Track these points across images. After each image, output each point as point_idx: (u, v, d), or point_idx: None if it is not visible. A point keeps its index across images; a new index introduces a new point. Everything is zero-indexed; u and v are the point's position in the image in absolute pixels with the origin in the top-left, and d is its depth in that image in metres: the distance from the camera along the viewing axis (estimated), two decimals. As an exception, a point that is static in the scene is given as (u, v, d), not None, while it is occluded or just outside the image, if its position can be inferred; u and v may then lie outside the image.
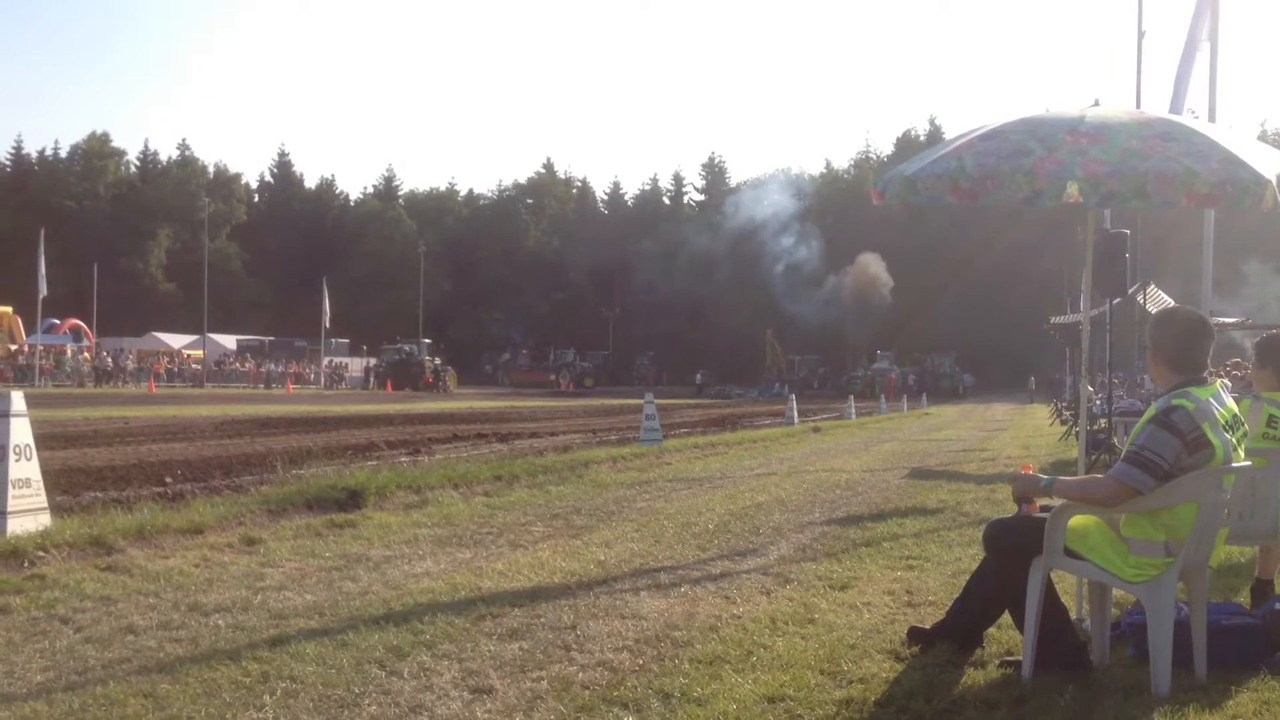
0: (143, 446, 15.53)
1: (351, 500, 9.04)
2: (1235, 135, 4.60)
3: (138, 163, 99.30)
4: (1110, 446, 13.97)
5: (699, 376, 73.45)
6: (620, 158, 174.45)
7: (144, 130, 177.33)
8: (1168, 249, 45.39)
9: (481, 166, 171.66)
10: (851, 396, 37.91)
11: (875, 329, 76.61)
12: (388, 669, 4.39)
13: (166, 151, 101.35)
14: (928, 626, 4.88)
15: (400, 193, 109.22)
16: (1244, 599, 5.60)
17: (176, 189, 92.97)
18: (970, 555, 6.90)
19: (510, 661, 4.53)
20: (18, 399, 7.13)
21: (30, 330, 55.72)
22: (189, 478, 11.33)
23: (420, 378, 63.56)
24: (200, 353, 65.23)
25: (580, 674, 4.36)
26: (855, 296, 78.25)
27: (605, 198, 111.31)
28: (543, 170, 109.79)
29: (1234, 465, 4.19)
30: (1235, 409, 4.35)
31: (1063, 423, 26.05)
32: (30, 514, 6.96)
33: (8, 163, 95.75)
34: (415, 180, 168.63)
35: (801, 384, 68.81)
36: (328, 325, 63.47)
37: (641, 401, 18.67)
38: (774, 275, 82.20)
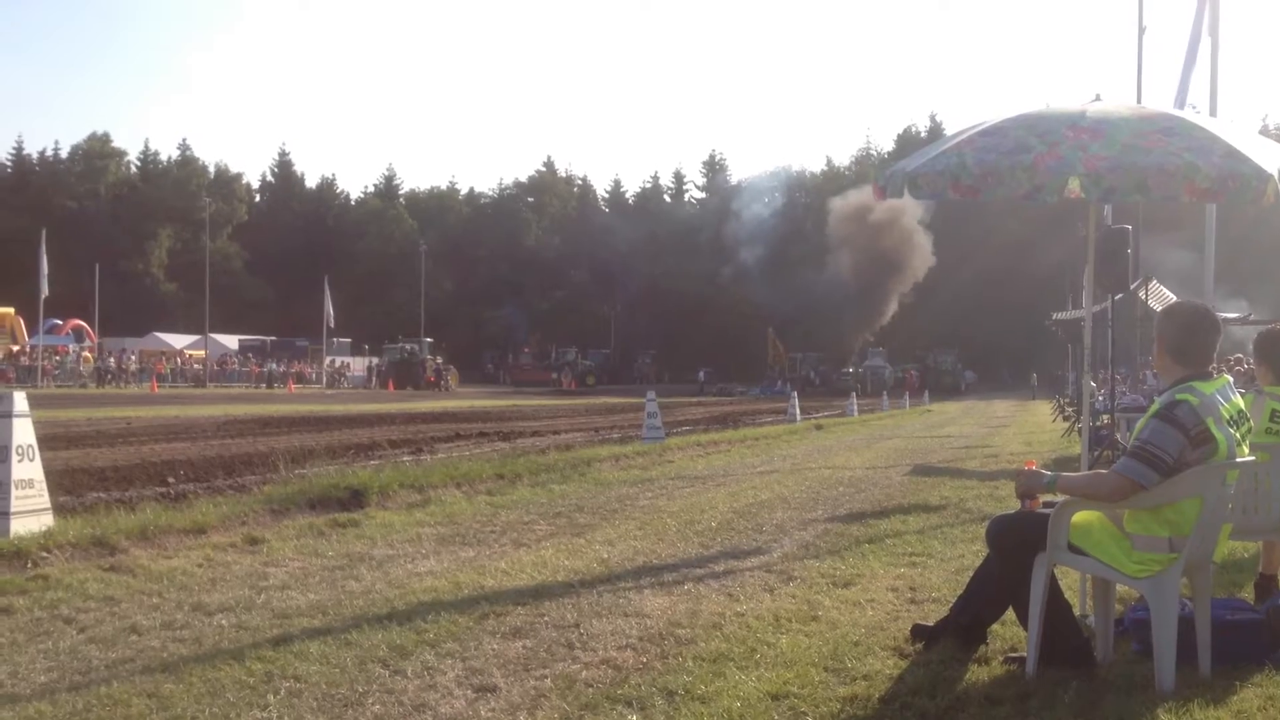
0: (145, 446, 15.53)
1: (354, 499, 9.04)
2: (1237, 129, 4.60)
3: (138, 163, 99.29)
4: (1113, 442, 13.94)
5: (702, 374, 73.29)
6: (621, 156, 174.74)
7: (144, 130, 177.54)
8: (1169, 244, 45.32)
9: (482, 165, 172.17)
10: (854, 394, 37.86)
11: (877, 312, 74.36)
12: (391, 668, 4.39)
13: (167, 152, 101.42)
14: (931, 623, 4.88)
15: (401, 191, 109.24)
16: (1248, 594, 5.60)
17: (177, 189, 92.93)
18: (973, 552, 6.90)
19: (514, 660, 4.53)
20: (20, 399, 7.13)
21: (32, 331, 55.63)
22: (192, 478, 11.34)
23: (422, 377, 63.54)
24: (202, 353, 65.14)
25: (584, 672, 4.36)
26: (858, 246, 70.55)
27: (606, 196, 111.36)
28: (543, 168, 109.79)
29: (1238, 460, 4.18)
30: (1241, 404, 4.34)
31: (1065, 419, 26.03)
32: (33, 514, 6.96)
33: (8, 163, 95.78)
34: (416, 179, 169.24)
35: (803, 382, 68.58)
36: (330, 325, 63.44)
37: (643, 400, 18.67)
38: (766, 266, 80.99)
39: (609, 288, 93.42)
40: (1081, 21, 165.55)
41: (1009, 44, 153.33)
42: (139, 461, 12.92)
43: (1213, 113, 11.79)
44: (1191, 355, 4.30)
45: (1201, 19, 12.14)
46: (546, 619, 5.24)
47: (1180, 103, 12.24)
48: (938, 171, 4.53)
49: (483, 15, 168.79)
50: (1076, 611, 4.86)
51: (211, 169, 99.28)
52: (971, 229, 75.63)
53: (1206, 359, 4.33)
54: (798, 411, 26.99)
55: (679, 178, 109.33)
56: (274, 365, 65.28)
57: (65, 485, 9.64)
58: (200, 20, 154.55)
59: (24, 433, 7.03)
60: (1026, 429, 26.96)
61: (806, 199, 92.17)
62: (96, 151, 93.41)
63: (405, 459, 13.77)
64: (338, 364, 69.09)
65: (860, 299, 72.89)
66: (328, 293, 62.22)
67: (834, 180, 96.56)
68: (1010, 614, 4.72)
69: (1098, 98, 4.97)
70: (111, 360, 57.75)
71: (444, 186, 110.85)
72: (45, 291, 48.72)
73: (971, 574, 5.01)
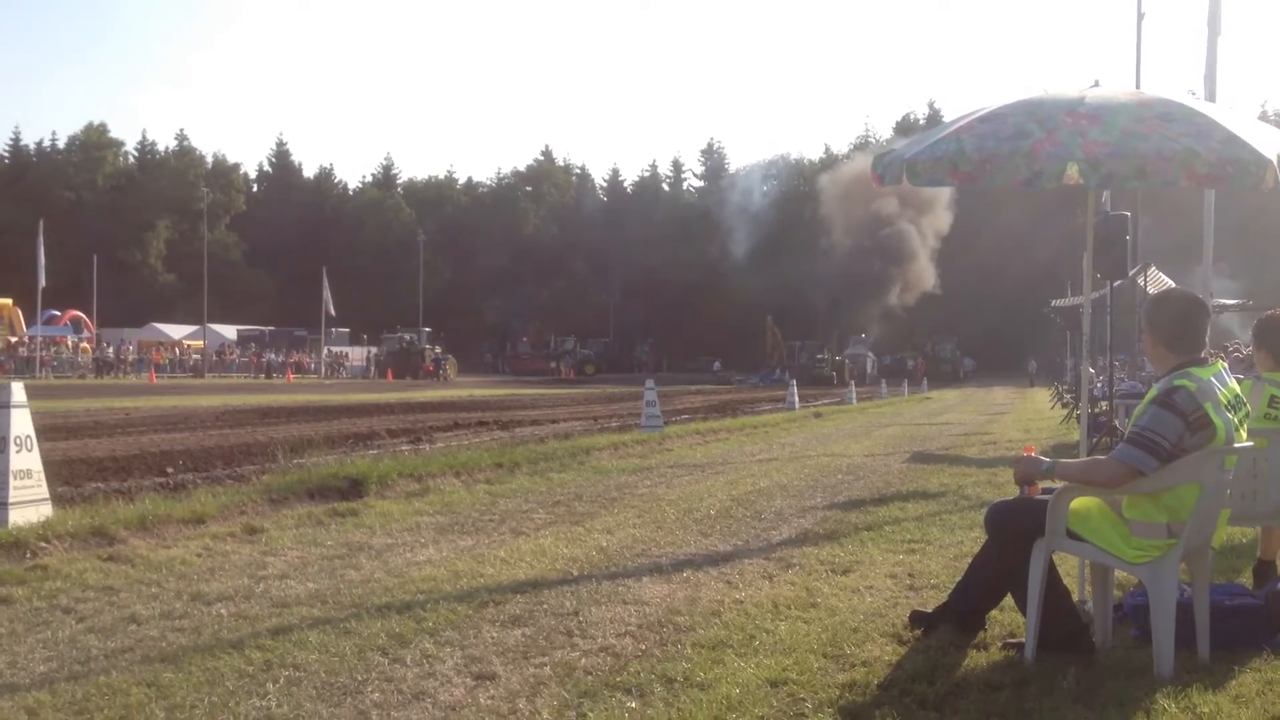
0: (144, 437, 15.53)
1: (353, 489, 9.05)
2: (1236, 115, 4.58)
3: (136, 153, 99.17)
4: (1112, 429, 13.97)
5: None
6: (619, 145, 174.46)
7: (142, 120, 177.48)
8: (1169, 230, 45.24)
9: (480, 154, 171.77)
10: (852, 384, 37.77)
11: (876, 291, 73.21)
12: (390, 656, 4.39)
13: (165, 142, 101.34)
14: (930, 609, 4.88)
15: (399, 181, 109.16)
16: (1246, 580, 5.60)
17: (175, 179, 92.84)
18: (972, 538, 6.90)
19: (513, 648, 4.54)
20: (18, 390, 7.13)
21: (30, 322, 55.57)
22: (190, 468, 11.34)
23: (421, 366, 63.54)
24: (200, 343, 65.16)
25: (583, 659, 4.36)
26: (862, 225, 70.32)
27: (604, 185, 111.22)
28: (541, 158, 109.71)
29: (1236, 445, 4.18)
30: (1238, 389, 4.34)
31: (1064, 406, 26.04)
32: (32, 505, 6.96)
33: (6, 154, 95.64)
34: (414, 169, 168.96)
35: (802, 370, 68.42)
36: (328, 314, 63.38)
37: (642, 388, 18.66)
38: (763, 253, 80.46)
39: (607, 277, 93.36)
40: (1080, 8, 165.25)
41: (1008, 31, 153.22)
42: (137, 452, 12.91)
43: (1211, 99, 11.68)
44: (1185, 342, 4.30)
45: (1218, 9, 11.91)
46: (545, 607, 5.24)
47: (1209, 92, 12.03)
48: (936, 158, 4.51)
49: (481, 4, 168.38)
50: (1075, 597, 4.86)
51: (209, 159, 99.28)
52: (970, 216, 75.49)
53: (1199, 345, 4.33)
54: (796, 399, 27.00)
55: (677, 166, 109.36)
56: (272, 355, 65.27)
57: (64, 476, 9.64)
58: (198, 11, 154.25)
59: (22, 423, 7.03)
60: (1025, 416, 26.97)
61: (805, 186, 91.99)
62: (94, 142, 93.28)
63: (404, 448, 13.78)
64: (336, 354, 69.07)
65: (854, 278, 72.21)
66: (326, 282, 62.16)
67: (832, 167, 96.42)
68: (1009, 600, 4.72)
69: (1096, 84, 4.92)
70: (110, 351, 57.75)
71: (442, 176, 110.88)
72: (43, 282, 48.63)
73: (970, 560, 5.01)
